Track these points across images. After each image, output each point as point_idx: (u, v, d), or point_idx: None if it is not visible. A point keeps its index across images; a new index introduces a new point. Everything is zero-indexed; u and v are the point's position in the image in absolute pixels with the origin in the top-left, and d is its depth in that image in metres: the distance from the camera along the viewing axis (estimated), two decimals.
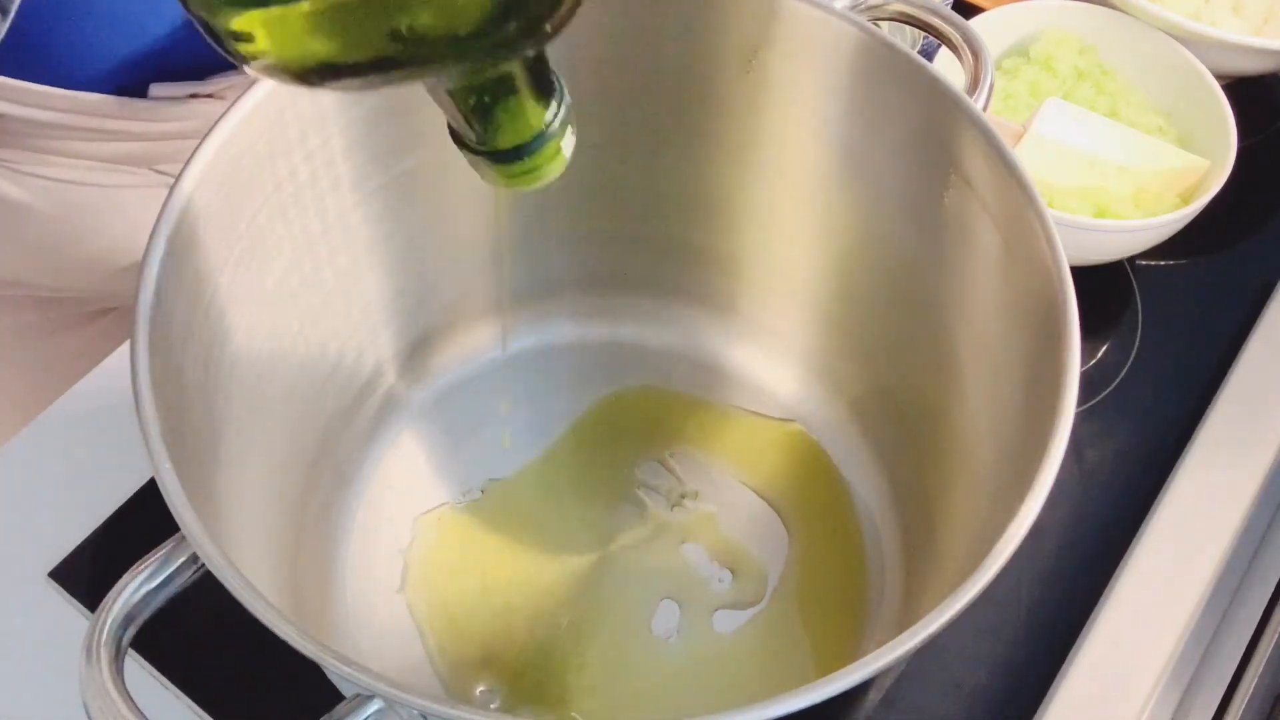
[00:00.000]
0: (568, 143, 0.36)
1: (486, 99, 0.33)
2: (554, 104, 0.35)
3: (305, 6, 0.27)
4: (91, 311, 0.74)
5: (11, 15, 0.52)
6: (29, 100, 0.58)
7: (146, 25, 0.57)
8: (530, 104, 0.34)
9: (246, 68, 0.29)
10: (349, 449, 0.57)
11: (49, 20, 0.53)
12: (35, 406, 0.60)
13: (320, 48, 0.28)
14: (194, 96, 0.61)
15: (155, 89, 0.60)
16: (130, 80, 0.59)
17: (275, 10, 0.27)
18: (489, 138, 0.34)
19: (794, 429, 0.59)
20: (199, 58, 0.60)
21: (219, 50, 0.28)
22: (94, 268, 0.68)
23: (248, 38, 0.28)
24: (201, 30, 0.28)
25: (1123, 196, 0.64)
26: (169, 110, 0.61)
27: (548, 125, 0.35)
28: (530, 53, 0.31)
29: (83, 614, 0.54)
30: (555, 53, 0.32)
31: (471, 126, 0.34)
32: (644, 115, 0.53)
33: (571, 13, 0.29)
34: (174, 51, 0.59)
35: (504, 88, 0.33)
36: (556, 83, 0.35)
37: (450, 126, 0.35)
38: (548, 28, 0.29)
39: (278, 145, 0.45)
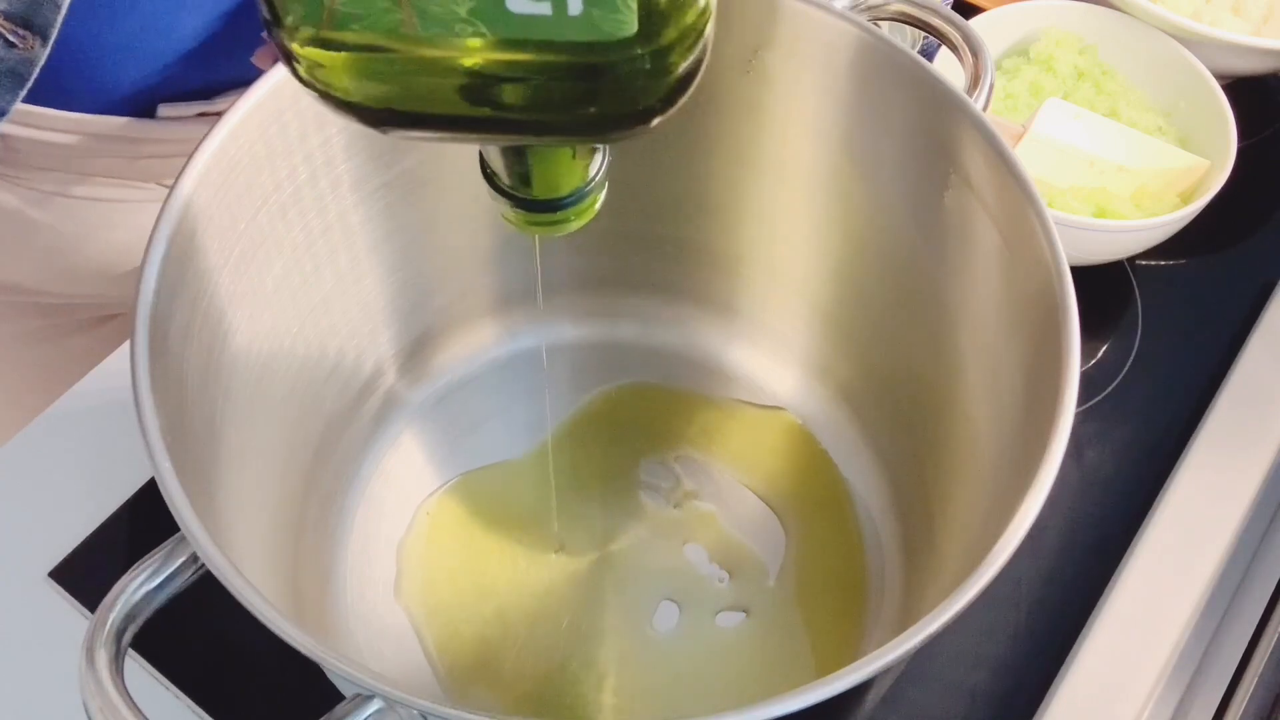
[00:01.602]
0: (601, 197, 0.35)
1: (535, 154, 0.32)
2: (598, 159, 0.34)
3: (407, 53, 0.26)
4: (95, 318, 0.74)
5: (51, 42, 0.52)
6: (39, 124, 0.58)
7: (157, 50, 0.58)
8: (577, 163, 0.33)
9: (319, 100, 0.28)
10: (349, 449, 0.57)
11: (60, 46, 0.53)
12: (36, 408, 0.60)
13: (399, 96, 0.27)
14: (202, 115, 0.61)
15: (164, 109, 0.60)
16: (139, 103, 0.60)
17: (354, 56, 0.26)
18: (527, 188, 0.33)
19: (786, 419, 0.59)
20: (208, 81, 0.60)
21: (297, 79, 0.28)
22: (98, 275, 0.68)
23: (323, 75, 0.27)
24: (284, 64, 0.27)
25: (1123, 196, 0.64)
26: (176, 129, 0.61)
27: (588, 182, 0.34)
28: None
29: (83, 614, 0.54)
30: None
31: (510, 172, 0.33)
32: None
33: (679, 104, 0.28)
34: (183, 74, 0.59)
35: (558, 147, 0.32)
36: None
37: (484, 163, 0.34)
38: (655, 122, 0.28)
39: (277, 146, 0.45)
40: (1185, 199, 0.65)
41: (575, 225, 0.35)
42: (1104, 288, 0.67)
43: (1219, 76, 0.68)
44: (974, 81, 0.49)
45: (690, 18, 0.26)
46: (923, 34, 0.56)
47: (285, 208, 0.47)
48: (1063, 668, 0.53)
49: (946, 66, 0.63)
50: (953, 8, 0.68)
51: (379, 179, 0.51)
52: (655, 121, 0.28)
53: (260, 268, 0.47)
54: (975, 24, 0.67)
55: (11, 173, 0.61)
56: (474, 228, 0.56)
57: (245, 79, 0.61)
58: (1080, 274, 0.42)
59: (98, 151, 0.61)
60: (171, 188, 0.41)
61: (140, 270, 0.40)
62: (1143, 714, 0.53)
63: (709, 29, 0.27)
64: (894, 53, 0.47)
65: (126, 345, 0.38)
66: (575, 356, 0.62)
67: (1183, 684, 0.54)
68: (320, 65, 0.27)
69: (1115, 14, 0.71)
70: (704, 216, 0.57)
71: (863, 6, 0.50)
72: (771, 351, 0.61)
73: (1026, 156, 0.64)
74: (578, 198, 0.34)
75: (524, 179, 0.33)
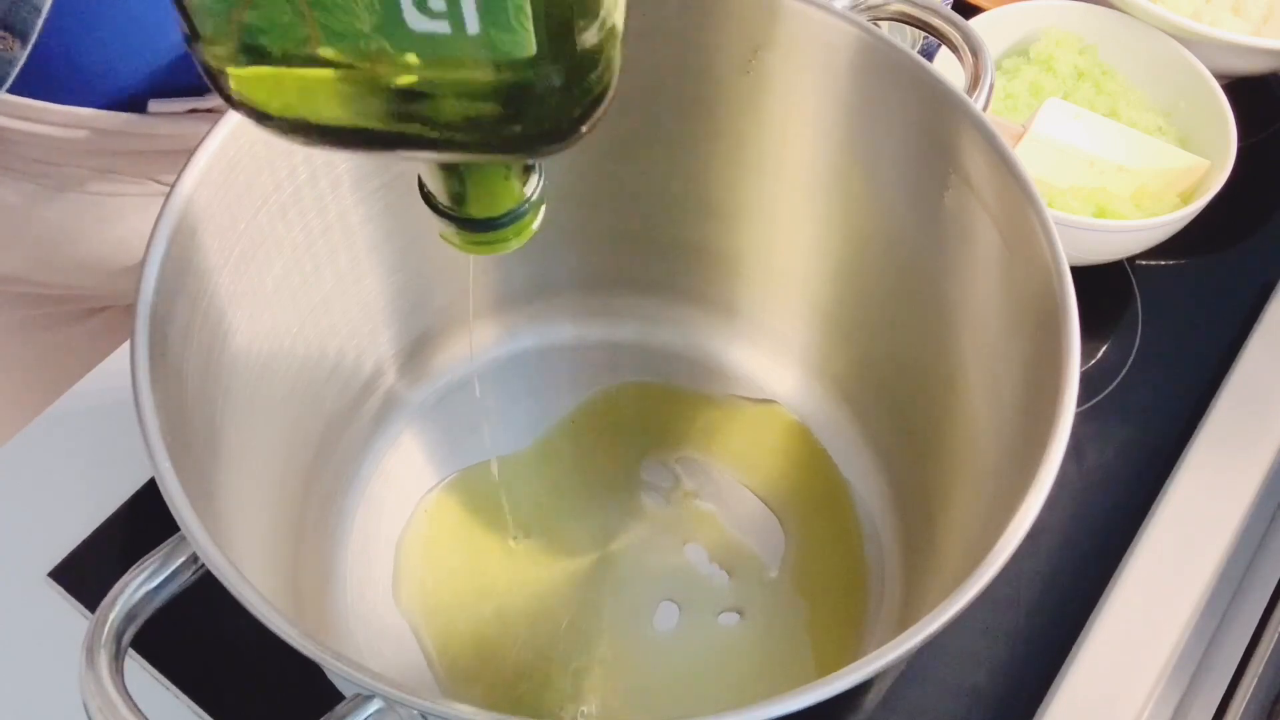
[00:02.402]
0: (539, 217, 0.35)
1: (468, 173, 0.32)
2: (533, 180, 0.34)
3: (325, 73, 0.26)
4: (88, 310, 0.74)
5: (31, 43, 0.52)
6: (30, 116, 0.58)
7: (149, 46, 0.58)
8: (511, 181, 0.33)
9: (240, 113, 0.28)
10: (349, 449, 0.57)
11: (52, 40, 0.53)
12: (35, 406, 0.60)
13: (331, 113, 0.27)
14: (193, 112, 0.61)
15: (154, 104, 0.60)
16: (130, 96, 0.60)
17: (278, 70, 0.27)
18: (462, 206, 0.33)
19: (786, 418, 0.59)
20: (199, 78, 0.60)
21: (214, 88, 0.28)
22: (91, 268, 0.68)
23: (239, 87, 0.27)
24: (201, 71, 0.28)
25: (1123, 196, 0.64)
26: (168, 124, 0.61)
27: (524, 201, 0.34)
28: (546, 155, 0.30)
29: (83, 614, 0.54)
30: None
31: (446, 192, 0.33)
32: (644, 115, 0.53)
33: (597, 119, 0.28)
34: (175, 70, 0.59)
35: (490, 165, 0.32)
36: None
37: (421, 182, 0.34)
38: (573, 140, 0.28)
39: (277, 145, 0.45)
40: (1185, 199, 0.65)
41: (515, 244, 0.35)
42: (1104, 288, 0.67)
43: (1219, 76, 0.68)
44: (974, 81, 0.49)
45: (593, 39, 0.26)
46: (923, 34, 0.56)
47: (285, 208, 0.47)
48: (1063, 668, 0.53)
49: (946, 66, 0.63)
50: (953, 8, 0.68)
51: (379, 179, 0.51)
52: (573, 139, 0.28)
53: (260, 268, 0.47)
54: (975, 24, 0.68)
55: (4, 164, 0.61)
56: None
57: None
58: (1080, 274, 0.42)
59: (88, 145, 0.61)
60: (172, 187, 0.41)
61: (140, 270, 0.40)
62: (1143, 714, 0.53)
63: (617, 51, 0.27)
64: (894, 53, 0.47)
65: (126, 345, 0.38)
66: (575, 356, 0.62)
67: (1183, 684, 0.54)
68: (236, 78, 0.27)
69: (1115, 14, 0.71)
70: (704, 216, 0.57)
71: (863, 6, 0.50)
72: (771, 351, 0.61)
73: (1026, 156, 0.64)
74: (514, 217, 0.34)
75: (460, 198, 0.33)
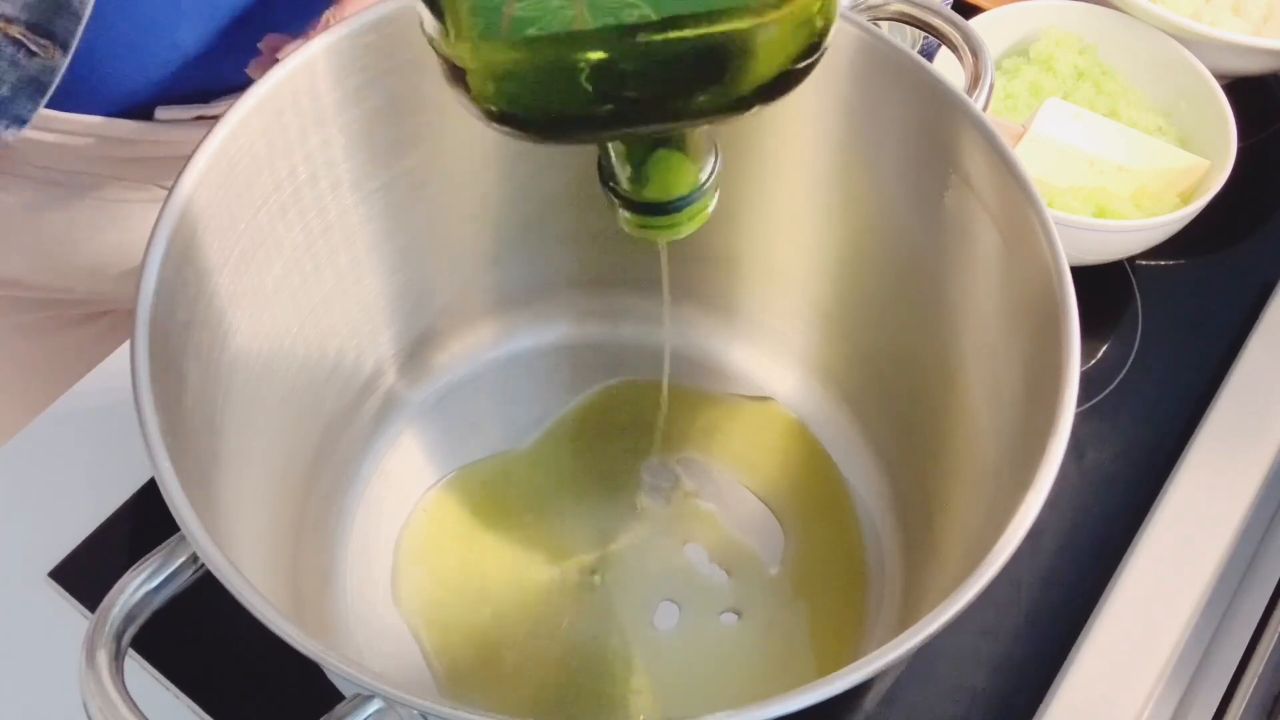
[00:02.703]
0: (713, 202, 0.35)
1: (650, 152, 0.33)
2: (711, 163, 0.34)
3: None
4: (89, 313, 0.74)
5: (72, 52, 0.52)
6: (36, 124, 0.58)
7: (157, 53, 0.58)
8: (690, 163, 0.33)
9: (485, 119, 0.28)
10: (349, 449, 0.57)
11: None
12: (35, 406, 0.60)
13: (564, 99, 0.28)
14: (199, 119, 0.62)
15: (161, 112, 0.60)
16: (137, 104, 0.60)
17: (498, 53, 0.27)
18: (639, 189, 0.34)
19: (786, 417, 0.59)
20: (207, 83, 0.61)
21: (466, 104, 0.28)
22: (92, 273, 0.68)
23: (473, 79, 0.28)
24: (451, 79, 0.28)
25: (1123, 196, 0.64)
26: (174, 132, 0.61)
27: (701, 185, 0.34)
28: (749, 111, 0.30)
29: (83, 614, 0.54)
30: None
31: (624, 174, 0.34)
32: None
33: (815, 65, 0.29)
34: (182, 78, 0.59)
35: (672, 144, 0.33)
36: (715, 142, 0.34)
37: (601, 166, 0.34)
38: (792, 88, 0.29)
39: (277, 145, 0.45)
40: (1185, 199, 0.65)
41: (687, 229, 0.36)
42: (1104, 288, 0.67)
43: (1219, 76, 0.68)
44: (974, 81, 0.49)
45: None
46: (923, 34, 0.56)
47: (285, 208, 0.47)
48: (1063, 668, 0.53)
49: (946, 66, 0.63)
50: (953, 8, 0.68)
51: (379, 179, 0.51)
52: (792, 86, 0.30)
53: (260, 268, 0.47)
54: (975, 24, 0.67)
55: (8, 169, 0.61)
56: (474, 228, 0.56)
57: (242, 85, 0.62)
58: (1080, 274, 0.42)
59: (95, 152, 0.61)
60: (171, 187, 0.41)
61: (140, 270, 0.40)
62: (1143, 714, 0.53)
63: None
64: (894, 53, 0.47)
65: (126, 345, 0.38)
66: (575, 356, 0.62)
67: (1183, 684, 0.54)
68: (494, 79, 0.27)
69: (1115, 14, 0.71)
70: None
71: (863, 6, 0.50)
72: (771, 351, 0.61)
73: (1026, 156, 0.64)
74: (689, 201, 0.35)
75: (639, 181, 0.34)
